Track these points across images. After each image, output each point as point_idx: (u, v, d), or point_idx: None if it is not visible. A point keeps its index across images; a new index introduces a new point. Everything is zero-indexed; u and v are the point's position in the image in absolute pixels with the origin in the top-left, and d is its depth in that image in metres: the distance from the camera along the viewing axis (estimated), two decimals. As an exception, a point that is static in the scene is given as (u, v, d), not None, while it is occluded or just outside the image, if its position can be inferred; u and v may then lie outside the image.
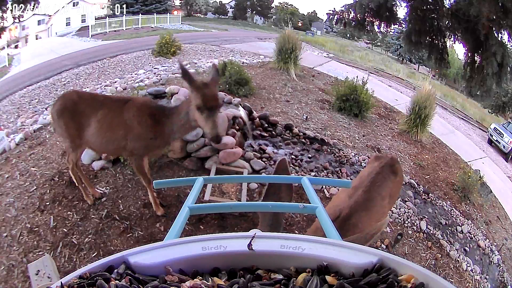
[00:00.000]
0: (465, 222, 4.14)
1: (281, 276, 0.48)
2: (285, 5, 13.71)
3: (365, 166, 4.28)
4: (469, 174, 4.73)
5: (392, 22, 4.22)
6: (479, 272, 3.57)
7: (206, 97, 1.84)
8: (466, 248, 3.80)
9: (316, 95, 6.19)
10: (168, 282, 0.46)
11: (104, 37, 9.56)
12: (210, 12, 13.36)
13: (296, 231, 2.84)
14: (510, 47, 3.67)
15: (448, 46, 4.07)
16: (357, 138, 5.00)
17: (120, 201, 2.88)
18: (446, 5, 3.77)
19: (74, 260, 2.42)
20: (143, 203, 2.90)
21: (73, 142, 2.42)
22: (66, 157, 3.07)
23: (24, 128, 4.47)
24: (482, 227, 4.33)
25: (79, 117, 2.30)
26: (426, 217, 3.85)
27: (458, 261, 3.51)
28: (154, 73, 6.29)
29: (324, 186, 3.53)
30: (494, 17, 3.31)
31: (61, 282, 0.44)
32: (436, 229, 3.75)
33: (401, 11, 4.14)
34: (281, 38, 6.81)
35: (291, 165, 3.86)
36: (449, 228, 3.91)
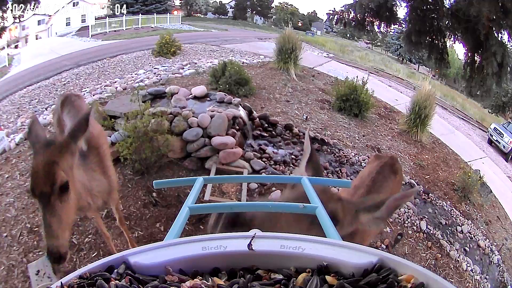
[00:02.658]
0: (465, 222, 4.14)
1: (281, 276, 0.48)
2: (285, 5, 13.72)
3: (365, 166, 4.29)
4: (469, 174, 4.73)
5: (392, 22, 4.22)
6: (479, 272, 3.57)
7: (31, 175, 1.13)
8: (466, 248, 3.80)
9: (316, 95, 6.19)
10: (168, 282, 0.46)
11: (104, 37, 9.56)
12: (210, 12, 13.37)
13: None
14: (510, 47, 3.67)
15: (448, 46, 4.07)
16: (357, 138, 5.00)
17: (120, 201, 2.88)
18: (446, 5, 3.76)
19: (74, 260, 2.42)
20: (143, 203, 2.90)
21: None
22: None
23: (24, 128, 4.47)
24: (482, 227, 4.33)
25: (61, 120, 2.16)
26: (426, 217, 3.85)
27: (458, 261, 3.51)
28: (154, 73, 6.30)
29: (324, 186, 3.52)
30: (494, 17, 3.31)
31: (61, 282, 0.44)
32: (436, 229, 3.75)
33: (401, 11, 4.14)
34: (281, 38, 6.81)
35: (291, 165, 3.86)
36: (449, 228, 3.91)
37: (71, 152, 1.21)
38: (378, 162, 1.96)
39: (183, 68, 6.66)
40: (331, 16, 4.69)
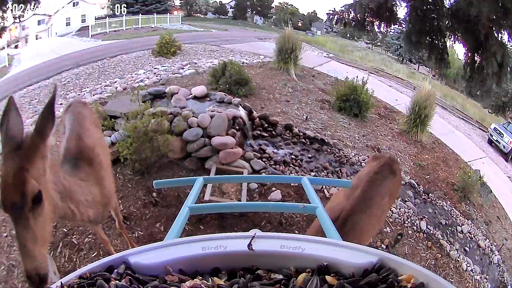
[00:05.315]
0: (465, 222, 4.14)
1: (281, 276, 0.48)
2: (285, 5, 13.70)
3: (364, 167, 4.29)
4: (469, 174, 4.73)
5: (392, 22, 4.22)
6: (479, 272, 3.57)
7: (1, 185, 0.98)
8: (466, 248, 3.80)
9: (316, 95, 6.18)
10: (168, 282, 0.46)
11: (104, 37, 9.55)
12: (210, 12, 13.35)
13: (296, 231, 2.84)
14: (510, 47, 3.67)
15: (448, 46, 4.07)
16: (357, 138, 5.00)
17: (120, 201, 2.88)
18: (446, 5, 3.76)
19: (74, 260, 2.42)
20: (143, 203, 2.90)
21: None
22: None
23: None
24: (482, 227, 4.33)
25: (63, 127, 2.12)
26: (426, 217, 3.85)
27: (458, 261, 3.51)
28: (154, 73, 6.29)
29: (324, 186, 3.52)
30: (494, 17, 3.31)
31: (61, 282, 0.44)
32: (436, 229, 3.75)
33: (401, 11, 4.14)
34: (281, 38, 6.81)
35: (291, 165, 3.86)
36: (449, 228, 3.91)
37: (41, 155, 1.05)
38: (377, 163, 1.94)
39: (183, 68, 6.65)
40: (331, 16, 4.69)
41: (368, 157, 4.49)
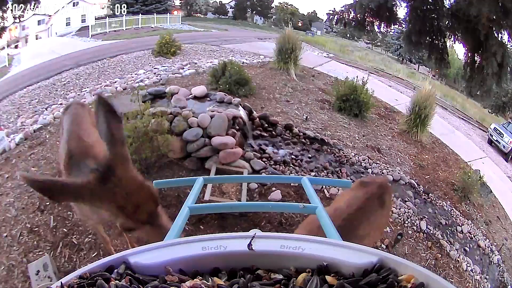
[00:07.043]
0: (465, 222, 4.14)
1: (281, 276, 0.48)
2: (285, 5, 13.71)
3: (364, 167, 4.29)
4: (469, 174, 4.73)
5: (392, 22, 4.23)
6: (479, 272, 3.57)
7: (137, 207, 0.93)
8: (466, 248, 3.80)
9: (316, 95, 6.18)
10: (168, 282, 0.46)
11: (104, 37, 9.55)
12: (210, 12, 13.36)
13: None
14: (510, 47, 3.68)
15: (448, 46, 4.07)
16: (357, 138, 4.99)
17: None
18: (446, 5, 3.77)
19: (74, 260, 2.42)
20: (143, 203, 2.89)
21: None
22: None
23: (24, 128, 4.47)
24: (482, 227, 4.33)
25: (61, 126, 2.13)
26: (426, 217, 3.85)
27: (458, 261, 3.51)
28: (154, 73, 6.29)
29: (324, 186, 3.53)
30: (494, 17, 3.31)
31: (61, 282, 0.44)
32: (436, 229, 3.75)
33: (401, 11, 4.15)
34: (281, 38, 6.81)
35: (291, 165, 3.86)
36: (449, 228, 3.91)
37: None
38: (363, 193, 1.60)
39: (183, 68, 6.65)
40: (331, 16, 4.70)
41: (369, 157, 4.49)
